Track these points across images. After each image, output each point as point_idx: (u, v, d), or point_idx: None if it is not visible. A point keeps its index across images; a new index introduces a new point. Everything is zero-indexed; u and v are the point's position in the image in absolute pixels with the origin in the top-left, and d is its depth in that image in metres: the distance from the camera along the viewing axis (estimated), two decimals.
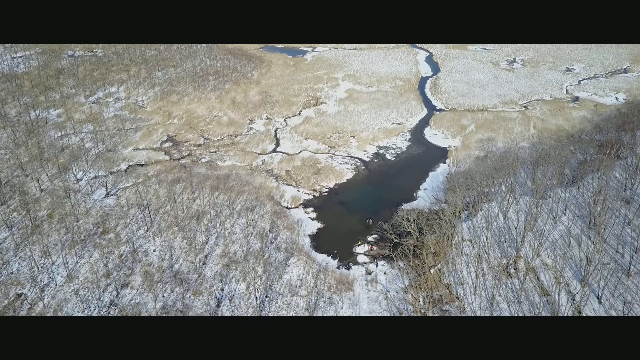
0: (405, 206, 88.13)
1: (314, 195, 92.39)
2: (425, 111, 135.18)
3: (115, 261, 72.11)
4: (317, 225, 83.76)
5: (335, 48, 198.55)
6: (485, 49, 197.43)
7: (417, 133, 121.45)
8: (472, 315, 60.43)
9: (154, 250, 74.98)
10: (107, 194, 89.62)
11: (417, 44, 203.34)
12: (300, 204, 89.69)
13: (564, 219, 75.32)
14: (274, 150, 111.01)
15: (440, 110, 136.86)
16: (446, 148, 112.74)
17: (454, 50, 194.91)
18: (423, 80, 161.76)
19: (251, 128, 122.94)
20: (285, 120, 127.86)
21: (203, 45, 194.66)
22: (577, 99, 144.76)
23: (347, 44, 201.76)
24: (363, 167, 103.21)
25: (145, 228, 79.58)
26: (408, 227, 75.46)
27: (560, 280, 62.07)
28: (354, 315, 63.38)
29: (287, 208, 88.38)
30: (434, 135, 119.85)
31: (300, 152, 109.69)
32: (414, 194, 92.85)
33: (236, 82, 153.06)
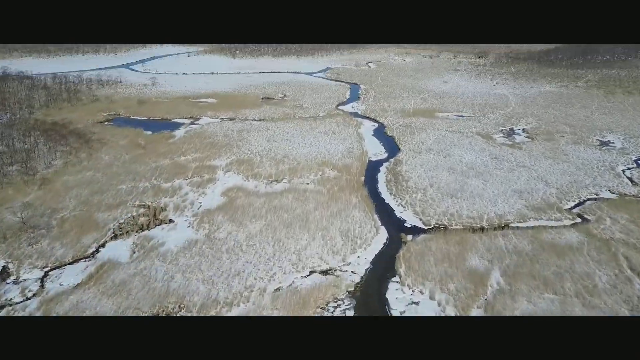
0: None
1: None
2: (382, 234, 62.19)
3: None
4: None
5: (231, 119, 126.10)
6: (461, 116, 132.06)
7: (370, 299, 46.23)
8: None
9: None
10: None
11: (358, 113, 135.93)
12: None
13: None
14: None
15: (415, 230, 64.07)
16: None
17: (415, 119, 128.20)
18: (373, 167, 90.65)
19: None
20: (40, 280, 49.24)
21: (14, 115, 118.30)
22: None
23: (251, 116, 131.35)
24: None
25: None
26: None
27: None
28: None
29: None
30: (413, 306, 45.12)
31: None
32: None
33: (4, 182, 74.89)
